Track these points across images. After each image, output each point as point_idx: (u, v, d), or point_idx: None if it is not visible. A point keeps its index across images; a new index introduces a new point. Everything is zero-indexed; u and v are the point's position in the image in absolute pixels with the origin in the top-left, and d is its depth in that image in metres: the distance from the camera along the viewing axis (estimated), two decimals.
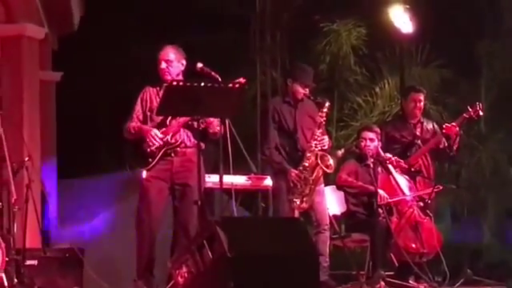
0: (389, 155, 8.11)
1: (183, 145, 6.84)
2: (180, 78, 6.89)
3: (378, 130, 8.13)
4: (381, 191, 7.95)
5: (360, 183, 8.02)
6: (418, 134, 8.52)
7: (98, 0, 13.11)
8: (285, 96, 7.68)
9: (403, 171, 8.19)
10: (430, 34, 12.74)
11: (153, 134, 6.79)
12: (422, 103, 8.58)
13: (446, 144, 8.39)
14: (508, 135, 14.23)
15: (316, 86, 8.15)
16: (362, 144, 8.00)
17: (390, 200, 7.92)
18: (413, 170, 8.34)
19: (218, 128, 6.62)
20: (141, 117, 6.98)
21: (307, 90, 7.48)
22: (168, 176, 6.85)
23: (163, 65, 6.90)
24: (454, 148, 8.37)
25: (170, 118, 6.84)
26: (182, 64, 6.94)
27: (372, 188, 7.91)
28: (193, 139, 6.83)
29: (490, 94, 14.41)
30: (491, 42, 14.18)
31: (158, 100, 6.76)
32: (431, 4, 12.66)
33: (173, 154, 6.83)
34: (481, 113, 8.38)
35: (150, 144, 6.79)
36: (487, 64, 14.41)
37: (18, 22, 10.01)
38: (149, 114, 6.95)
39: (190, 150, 6.84)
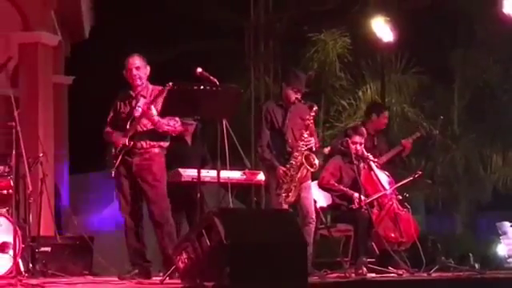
0: (370, 155, 8.09)
1: (140, 146, 6.82)
2: (147, 81, 6.93)
3: (365, 133, 8.09)
4: (357, 195, 7.85)
5: (341, 187, 7.93)
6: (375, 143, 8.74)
7: (108, 11, 13.12)
8: (279, 99, 7.65)
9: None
10: (409, 44, 12.77)
11: (115, 137, 6.87)
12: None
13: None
14: (479, 136, 14.28)
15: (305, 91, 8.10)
16: (353, 147, 7.86)
17: (368, 200, 7.84)
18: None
19: (167, 127, 6.73)
20: (111, 121, 7.01)
21: (299, 94, 7.42)
22: (130, 174, 6.86)
23: (134, 71, 6.93)
24: (405, 159, 9.18)
25: (129, 122, 6.82)
26: (147, 69, 6.99)
27: (350, 192, 7.85)
28: (152, 141, 6.82)
29: (462, 99, 14.47)
30: (464, 51, 14.23)
31: (132, 103, 6.84)
32: (410, 17, 12.68)
33: (132, 155, 6.83)
34: (436, 132, 8.84)
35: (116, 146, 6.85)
36: (460, 71, 14.46)
37: (33, 30, 10.03)
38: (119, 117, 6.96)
39: (149, 150, 6.83)
